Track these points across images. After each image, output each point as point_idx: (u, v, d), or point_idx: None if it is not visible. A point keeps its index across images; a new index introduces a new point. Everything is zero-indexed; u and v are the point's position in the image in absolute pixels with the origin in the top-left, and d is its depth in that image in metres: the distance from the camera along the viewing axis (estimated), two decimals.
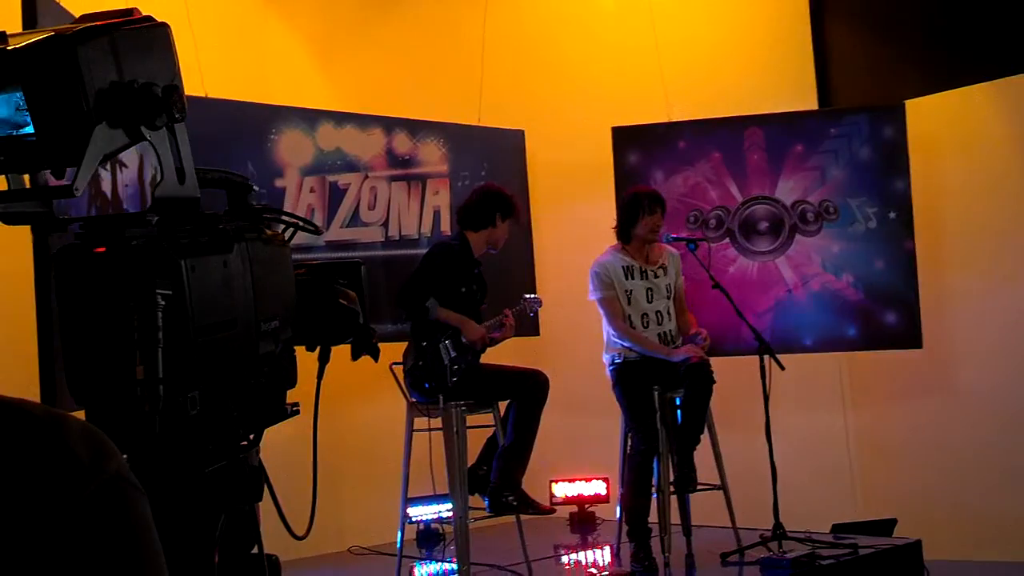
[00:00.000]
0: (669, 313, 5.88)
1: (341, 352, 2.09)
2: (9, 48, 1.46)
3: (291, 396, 1.98)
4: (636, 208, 5.80)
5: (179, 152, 1.65)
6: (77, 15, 1.64)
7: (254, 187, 1.91)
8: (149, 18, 1.68)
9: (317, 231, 2.05)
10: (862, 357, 6.99)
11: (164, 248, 1.63)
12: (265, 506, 1.84)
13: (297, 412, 1.91)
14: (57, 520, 0.80)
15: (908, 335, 6.65)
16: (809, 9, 7.46)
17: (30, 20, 4.43)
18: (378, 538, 6.24)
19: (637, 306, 5.80)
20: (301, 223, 1.92)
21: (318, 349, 1.99)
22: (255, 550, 1.76)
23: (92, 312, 1.63)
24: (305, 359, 2.02)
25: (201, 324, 1.63)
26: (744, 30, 7.62)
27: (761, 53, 7.55)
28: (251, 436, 1.80)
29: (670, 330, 5.86)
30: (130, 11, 1.67)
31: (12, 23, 4.36)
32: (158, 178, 1.64)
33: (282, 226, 1.94)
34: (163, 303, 1.57)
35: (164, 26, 1.68)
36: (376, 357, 2.01)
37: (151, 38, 1.64)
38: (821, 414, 7.15)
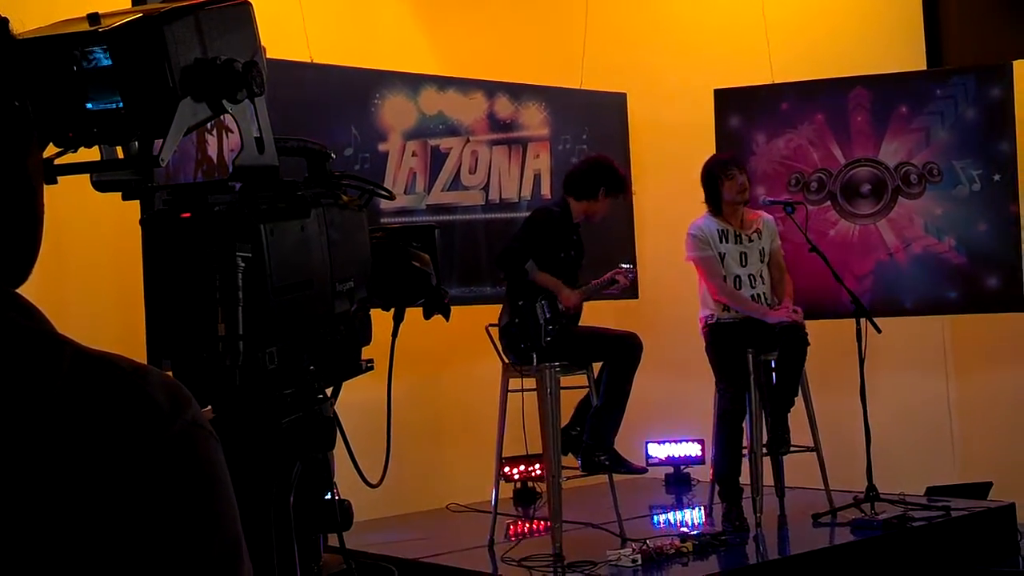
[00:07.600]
0: (762, 277, 5.88)
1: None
2: (101, 29, 1.57)
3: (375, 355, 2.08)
4: (713, 178, 5.83)
5: (259, 123, 1.75)
6: None
7: (332, 154, 2.02)
8: None
9: (391, 196, 2.15)
10: (964, 320, 6.89)
11: (245, 213, 1.74)
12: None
13: (371, 368, 2.01)
14: (139, 460, 0.90)
15: (1010, 298, 6.53)
16: None
17: None
18: (475, 496, 6.34)
19: (729, 269, 5.81)
20: (375, 188, 2.02)
21: (393, 309, 2.08)
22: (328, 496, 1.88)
23: (177, 273, 1.76)
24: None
25: (279, 284, 1.74)
26: None
27: (870, 12, 7.42)
28: (328, 389, 1.91)
29: (763, 293, 5.86)
30: None
31: None
32: (239, 148, 1.75)
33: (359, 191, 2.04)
34: (243, 265, 1.68)
35: (246, 4, 1.78)
36: (447, 317, 2.09)
37: (233, 16, 1.74)
38: (922, 377, 7.06)
